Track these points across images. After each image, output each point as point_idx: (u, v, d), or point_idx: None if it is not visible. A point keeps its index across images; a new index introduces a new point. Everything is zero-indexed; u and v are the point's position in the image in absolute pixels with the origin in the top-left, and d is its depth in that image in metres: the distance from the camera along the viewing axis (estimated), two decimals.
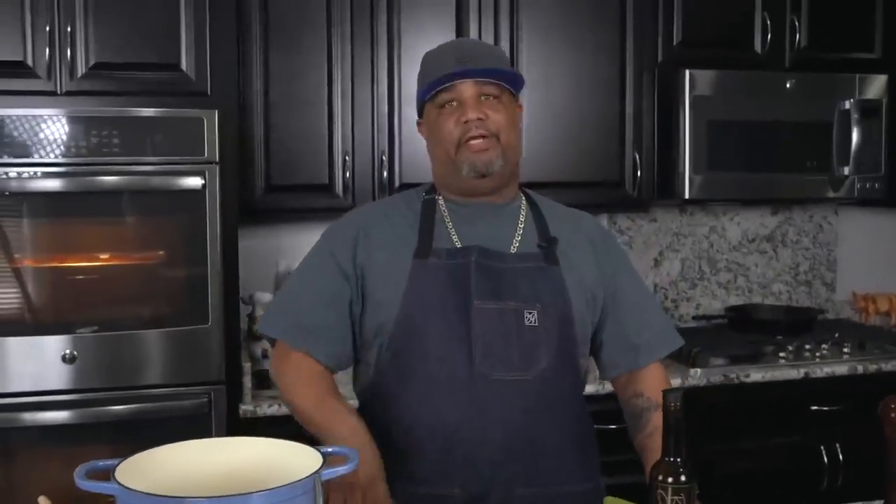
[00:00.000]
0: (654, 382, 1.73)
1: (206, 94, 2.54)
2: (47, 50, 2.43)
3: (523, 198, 1.79)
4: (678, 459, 1.31)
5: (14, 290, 2.46)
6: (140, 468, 1.19)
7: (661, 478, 1.31)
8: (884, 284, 3.71)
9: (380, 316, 1.65)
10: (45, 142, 2.42)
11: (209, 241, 2.52)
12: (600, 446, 1.77)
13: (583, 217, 1.84)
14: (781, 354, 3.09)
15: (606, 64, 3.09)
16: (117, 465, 1.17)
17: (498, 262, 1.67)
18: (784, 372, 3.00)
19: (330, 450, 1.27)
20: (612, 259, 1.79)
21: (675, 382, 2.77)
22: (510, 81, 1.69)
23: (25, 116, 2.40)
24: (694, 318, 3.57)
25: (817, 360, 3.09)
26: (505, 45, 2.99)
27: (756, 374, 2.97)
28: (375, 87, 2.91)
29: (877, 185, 3.28)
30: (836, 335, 3.26)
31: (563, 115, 3.07)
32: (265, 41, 2.83)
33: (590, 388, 2.32)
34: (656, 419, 1.63)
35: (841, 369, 3.05)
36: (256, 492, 1.10)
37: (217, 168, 2.51)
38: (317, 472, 1.17)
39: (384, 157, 2.91)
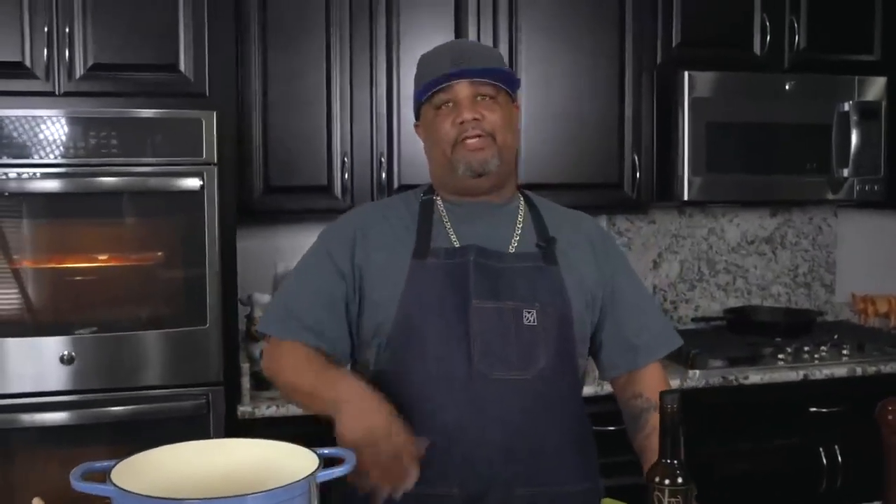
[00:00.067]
0: (653, 383, 1.73)
1: (204, 95, 2.54)
2: (45, 50, 2.43)
3: (521, 198, 1.79)
4: (675, 461, 1.30)
5: (13, 290, 2.46)
6: (136, 469, 1.19)
7: (657, 480, 1.30)
8: (883, 286, 3.71)
9: (378, 316, 1.65)
10: (43, 143, 2.42)
11: (207, 242, 2.52)
12: (599, 448, 1.77)
13: (582, 218, 1.84)
14: (780, 356, 3.09)
15: (605, 65, 3.09)
16: (113, 466, 1.17)
17: (496, 261, 1.67)
18: (783, 374, 3.00)
19: (327, 451, 1.27)
20: (612, 260, 1.79)
21: (674, 384, 2.77)
22: (506, 81, 1.69)
23: (24, 117, 2.40)
24: (693, 319, 3.57)
25: (816, 361, 3.09)
26: (504, 46, 2.99)
27: (755, 376, 2.97)
28: (374, 88, 2.91)
29: (876, 187, 3.28)
30: (836, 337, 3.25)
31: (561, 116, 3.06)
32: (264, 42, 2.83)
33: (588, 390, 2.33)
34: (655, 420, 1.61)
35: (840, 371, 3.05)
36: (253, 493, 1.10)
37: (215, 169, 2.51)
38: (313, 473, 1.17)
39: (383, 159, 2.91)
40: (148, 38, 2.50)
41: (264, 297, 2.87)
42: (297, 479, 1.14)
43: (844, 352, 3.15)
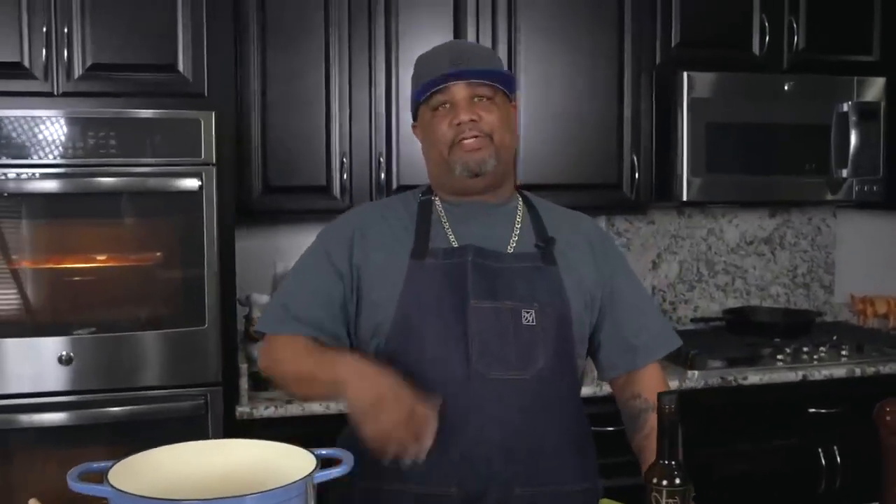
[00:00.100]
0: (652, 384, 1.73)
1: (203, 96, 2.54)
2: (44, 51, 2.43)
3: (520, 199, 1.79)
4: (673, 462, 1.30)
5: (11, 291, 2.46)
6: (134, 470, 1.19)
7: (655, 481, 1.30)
8: (882, 287, 3.71)
9: (376, 316, 1.65)
10: (42, 143, 2.41)
11: (206, 242, 2.52)
12: (598, 448, 1.77)
13: (581, 218, 1.84)
14: (779, 357, 3.09)
15: (604, 66, 3.09)
16: (111, 467, 1.17)
17: (494, 261, 1.67)
18: (782, 374, 3.00)
19: (324, 452, 1.27)
20: (611, 260, 1.79)
21: (673, 384, 2.77)
22: (503, 82, 1.69)
23: (22, 117, 2.39)
24: (692, 320, 3.57)
25: (815, 362, 3.09)
26: (503, 47, 2.99)
27: (754, 377, 2.97)
28: (373, 88, 2.91)
29: (875, 188, 3.28)
30: (834, 338, 3.25)
31: (560, 117, 3.06)
32: (262, 42, 2.83)
33: (587, 391, 2.33)
34: (653, 420, 1.61)
35: (839, 372, 3.05)
36: (250, 494, 1.10)
37: (214, 169, 2.51)
38: (311, 474, 1.17)
39: (382, 159, 2.91)
40: (147, 38, 2.50)
41: (263, 298, 2.87)
42: (295, 479, 1.14)
43: (843, 352, 3.15)
